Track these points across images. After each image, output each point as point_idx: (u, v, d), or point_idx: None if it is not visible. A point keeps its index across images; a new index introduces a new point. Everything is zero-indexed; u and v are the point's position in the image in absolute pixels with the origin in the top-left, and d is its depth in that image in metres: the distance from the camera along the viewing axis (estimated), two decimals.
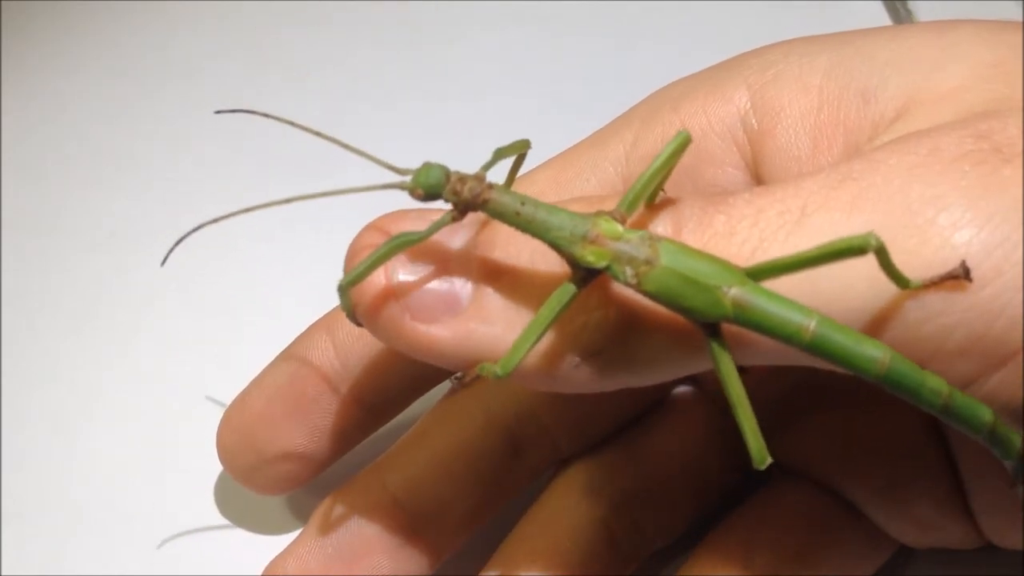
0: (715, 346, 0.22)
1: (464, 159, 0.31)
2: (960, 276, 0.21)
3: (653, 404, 0.32)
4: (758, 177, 0.28)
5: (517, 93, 0.41)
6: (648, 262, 0.21)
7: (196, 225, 0.23)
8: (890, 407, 0.29)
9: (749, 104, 0.27)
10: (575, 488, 0.31)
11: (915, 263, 0.21)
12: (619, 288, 0.22)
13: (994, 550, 0.30)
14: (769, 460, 0.22)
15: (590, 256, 0.21)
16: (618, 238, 0.21)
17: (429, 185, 0.22)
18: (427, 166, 0.22)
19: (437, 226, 0.22)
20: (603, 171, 0.29)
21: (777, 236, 0.22)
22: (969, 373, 0.22)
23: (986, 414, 0.22)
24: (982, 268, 0.21)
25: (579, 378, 0.23)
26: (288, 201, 0.23)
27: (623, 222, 0.22)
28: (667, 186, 0.27)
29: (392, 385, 0.30)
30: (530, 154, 0.29)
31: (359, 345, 0.30)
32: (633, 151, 0.29)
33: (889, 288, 0.21)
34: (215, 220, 0.23)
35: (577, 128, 0.32)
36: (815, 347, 0.21)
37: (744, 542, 0.31)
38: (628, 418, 0.32)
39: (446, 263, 0.24)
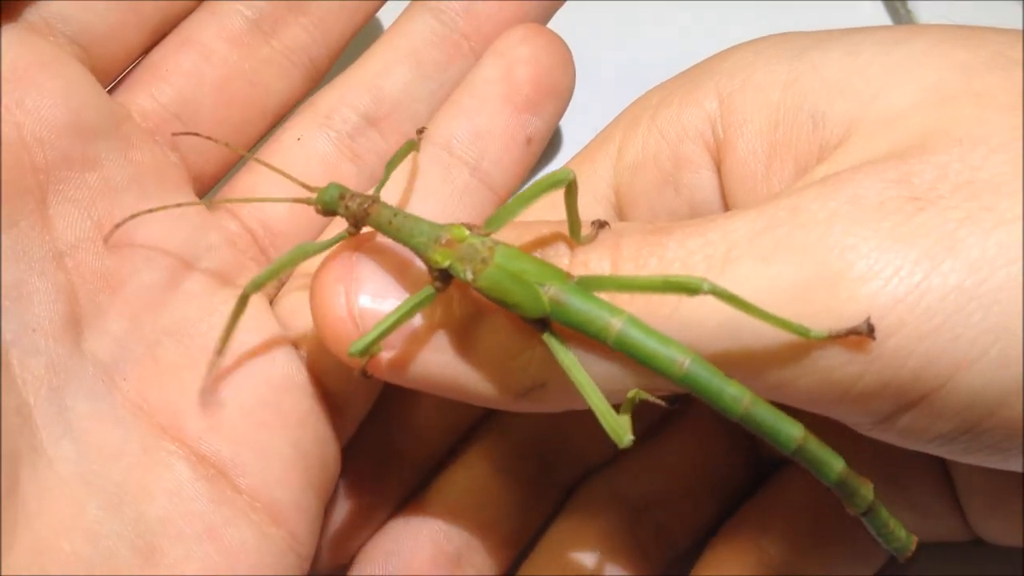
0: (548, 337, 0.23)
1: None
2: (863, 332, 0.22)
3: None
4: (721, 187, 0.29)
5: None
6: (484, 261, 0.23)
7: (126, 217, 0.27)
8: None
9: (719, 111, 0.28)
10: (599, 497, 0.32)
11: (826, 315, 0.22)
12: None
13: (993, 550, 0.30)
14: (630, 438, 0.23)
15: (437, 256, 0.24)
16: (463, 241, 0.24)
17: (325, 202, 0.26)
18: (328, 186, 0.26)
19: (337, 238, 0.26)
20: (595, 187, 0.31)
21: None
22: (882, 412, 0.23)
23: (796, 429, 0.22)
24: (887, 320, 0.22)
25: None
26: (211, 204, 0.29)
27: (480, 233, 0.24)
28: (650, 188, 0.29)
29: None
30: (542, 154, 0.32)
31: None
32: (619, 162, 0.30)
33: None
34: (146, 212, 0.27)
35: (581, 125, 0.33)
36: (620, 345, 0.22)
37: (755, 535, 0.31)
38: (649, 423, 0.33)
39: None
